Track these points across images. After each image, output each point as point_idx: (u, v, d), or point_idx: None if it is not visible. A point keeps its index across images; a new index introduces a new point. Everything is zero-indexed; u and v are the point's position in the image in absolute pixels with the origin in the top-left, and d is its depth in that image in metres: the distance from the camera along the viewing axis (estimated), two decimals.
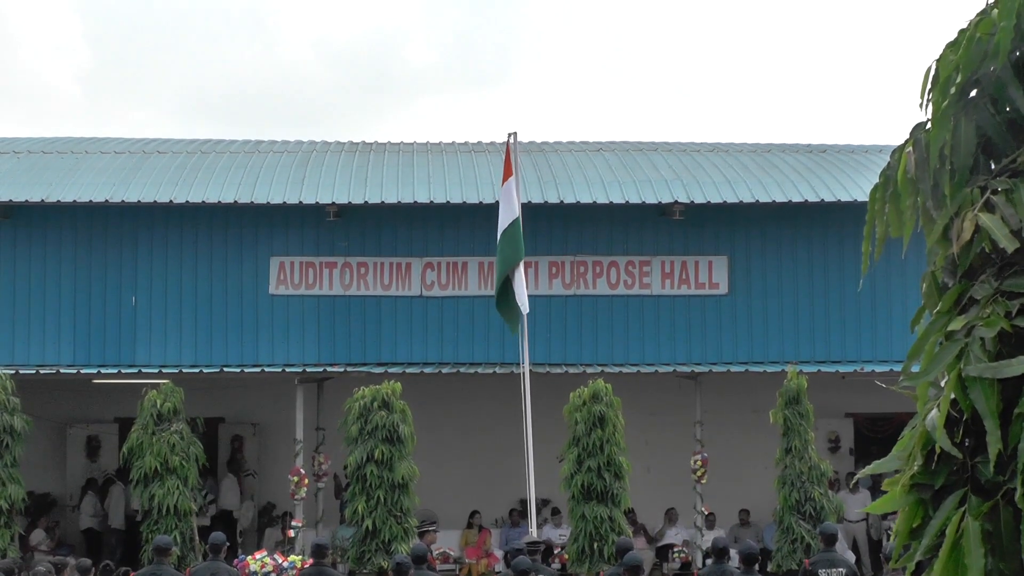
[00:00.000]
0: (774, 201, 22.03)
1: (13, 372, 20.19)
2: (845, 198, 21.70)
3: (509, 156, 19.74)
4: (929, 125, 4.01)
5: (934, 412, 3.79)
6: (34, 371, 21.06)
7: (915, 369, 3.90)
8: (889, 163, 4.14)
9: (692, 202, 21.95)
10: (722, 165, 23.62)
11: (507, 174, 19.69)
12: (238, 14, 62.31)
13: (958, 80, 3.95)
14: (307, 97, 60.88)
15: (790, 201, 22.00)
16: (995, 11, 3.88)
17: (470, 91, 63.05)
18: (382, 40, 62.07)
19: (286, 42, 61.89)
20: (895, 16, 61.94)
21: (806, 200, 21.96)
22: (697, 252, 22.78)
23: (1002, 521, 3.62)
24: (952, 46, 3.97)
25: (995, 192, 3.83)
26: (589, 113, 59.90)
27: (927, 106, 4.02)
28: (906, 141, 4.09)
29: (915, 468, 3.87)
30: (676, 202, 21.88)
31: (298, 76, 60.21)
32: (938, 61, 4.01)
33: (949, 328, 3.82)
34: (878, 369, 20.91)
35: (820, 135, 59.49)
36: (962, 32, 3.94)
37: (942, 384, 3.82)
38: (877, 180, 4.24)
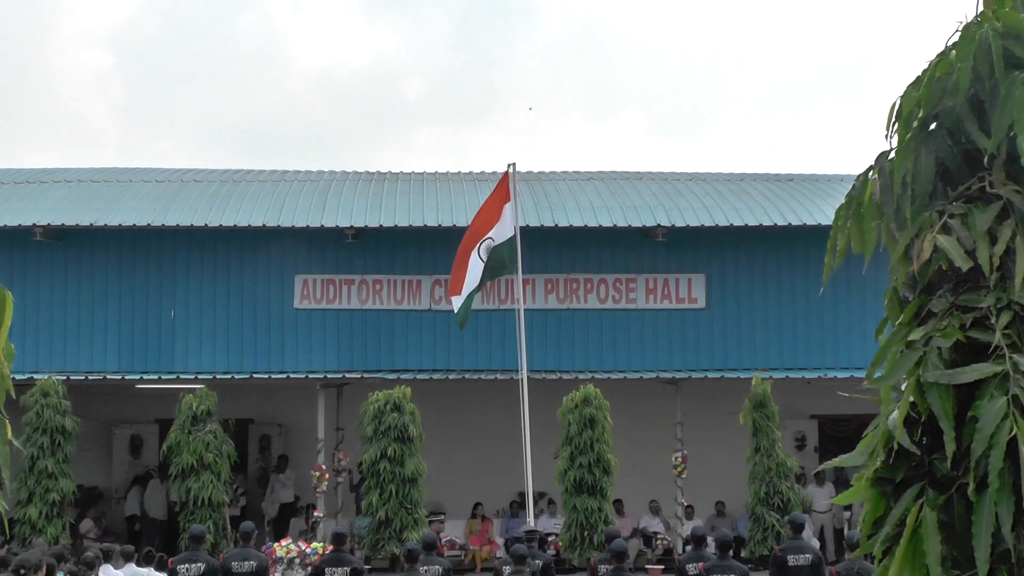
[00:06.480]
0: (747, 225, 21.99)
1: (65, 378, 20.21)
2: (810, 222, 21.67)
3: (503, 182, 19.69)
4: (893, 155, 4.02)
5: (895, 413, 3.78)
6: (83, 377, 21.03)
7: (878, 374, 3.89)
8: (854, 185, 4.16)
9: (673, 225, 21.92)
10: (700, 192, 23.61)
11: (500, 197, 19.56)
12: (248, 54, 62.60)
13: (920, 115, 3.97)
14: (310, 128, 61.19)
15: (761, 225, 21.96)
16: (953, 52, 3.90)
17: (462, 125, 63.17)
18: (380, 76, 62.28)
19: (292, 79, 62.12)
20: (853, 58, 62.12)
21: (775, 224, 21.92)
22: (678, 270, 22.75)
23: (956, 512, 3.62)
24: (914, 84, 4.00)
25: (952, 216, 3.83)
26: (578, 146, 59.97)
27: (892, 137, 4.04)
28: (870, 168, 4.11)
29: (878, 464, 3.85)
30: (659, 225, 21.86)
31: (301, 109, 60.53)
32: (902, 98, 4.04)
33: (909, 338, 3.81)
34: (839, 375, 20.88)
35: (787, 165, 59.66)
36: (924, 71, 3.97)
37: (903, 388, 3.81)
38: (843, 201, 4.25)
